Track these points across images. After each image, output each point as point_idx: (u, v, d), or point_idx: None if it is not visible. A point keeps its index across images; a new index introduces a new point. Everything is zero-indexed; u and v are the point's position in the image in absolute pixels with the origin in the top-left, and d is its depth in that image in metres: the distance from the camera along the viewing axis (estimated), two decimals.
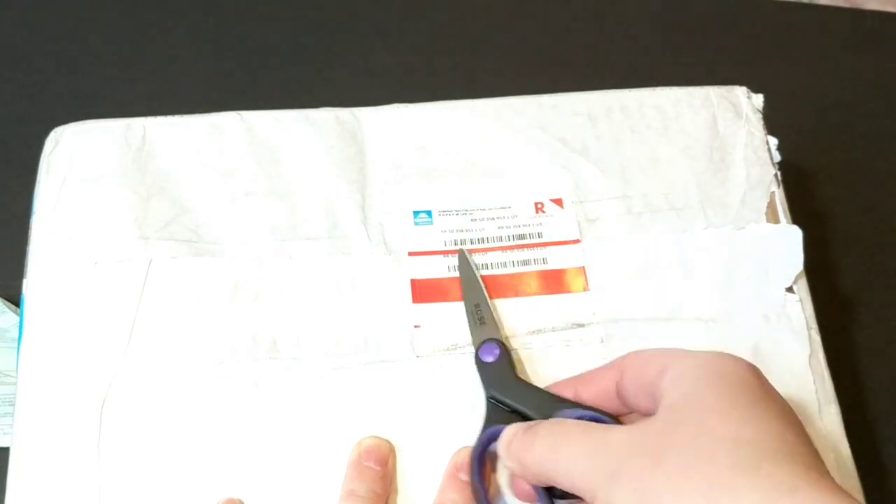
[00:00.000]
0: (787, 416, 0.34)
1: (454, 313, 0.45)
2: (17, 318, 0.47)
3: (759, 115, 0.51)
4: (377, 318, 0.45)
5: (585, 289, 0.46)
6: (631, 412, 0.39)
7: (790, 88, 0.68)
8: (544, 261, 0.47)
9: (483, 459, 0.41)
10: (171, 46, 0.70)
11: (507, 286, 0.46)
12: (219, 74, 0.68)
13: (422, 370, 0.44)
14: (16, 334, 0.45)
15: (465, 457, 0.41)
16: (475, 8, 0.73)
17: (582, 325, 0.45)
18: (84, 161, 0.48)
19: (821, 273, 0.55)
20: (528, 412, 0.40)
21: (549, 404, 0.40)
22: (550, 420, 0.38)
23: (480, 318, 0.44)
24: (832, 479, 0.32)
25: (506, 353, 0.43)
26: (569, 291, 0.46)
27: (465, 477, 0.41)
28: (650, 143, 0.50)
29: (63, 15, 0.71)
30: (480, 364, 0.43)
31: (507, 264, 0.47)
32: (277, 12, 0.72)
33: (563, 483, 0.36)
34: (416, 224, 0.48)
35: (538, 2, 0.73)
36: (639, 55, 0.70)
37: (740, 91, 0.52)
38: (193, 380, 0.43)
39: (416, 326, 0.45)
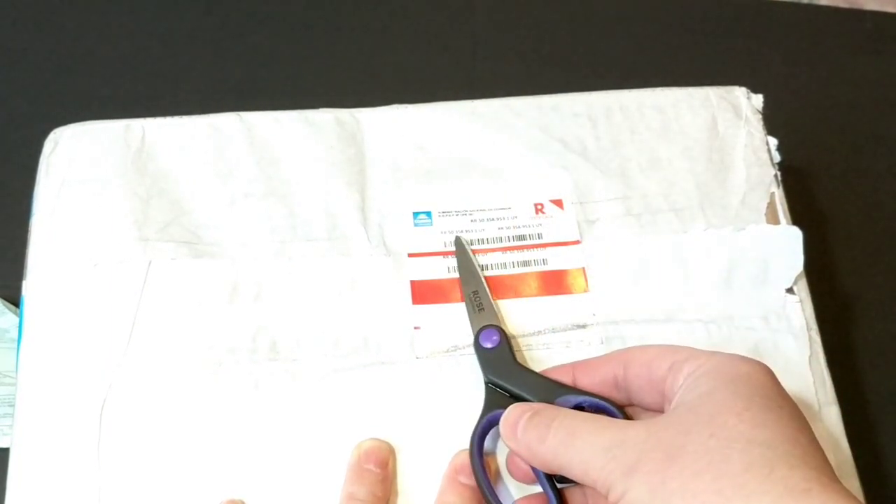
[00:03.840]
0: (799, 419, 0.34)
1: (454, 315, 0.45)
2: (16, 319, 0.47)
3: (759, 116, 0.51)
4: (377, 319, 0.45)
5: (585, 290, 0.46)
6: (630, 404, 0.39)
7: (790, 88, 0.68)
8: (544, 262, 0.47)
9: (483, 444, 0.41)
10: (171, 46, 0.70)
11: (507, 287, 0.46)
12: (219, 74, 0.68)
13: (422, 372, 0.44)
14: (16, 335, 0.45)
15: (465, 459, 0.41)
16: (475, 8, 0.73)
17: (582, 327, 0.45)
18: (83, 162, 0.48)
19: (821, 273, 0.55)
20: (529, 397, 0.40)
21: (549, 390, 0.40)
22: (562, 411, 0.38)
23: (479, 304, 0.45)
24: (841, 484, 0.32)
25: (505, 339, 0.43)
26: (569, 292, 0.46)
27: (464, 479, 0.41)
28: (650, 144, 0.50)
29: (63, 15, 0.71)
30: (479, 350, 0.43)
31: (507, 265, 0.47)
32: (277, 12, 0.72)
33: (575, 475, 0.36)
34: (415, 225, 0.48)
35: (538, 2, 0.73)
36: (639, 55, 0.70)
37: (740, 91, 0.52)
38: (193, 381, 0.43)
39: (415, 328, 0.45)
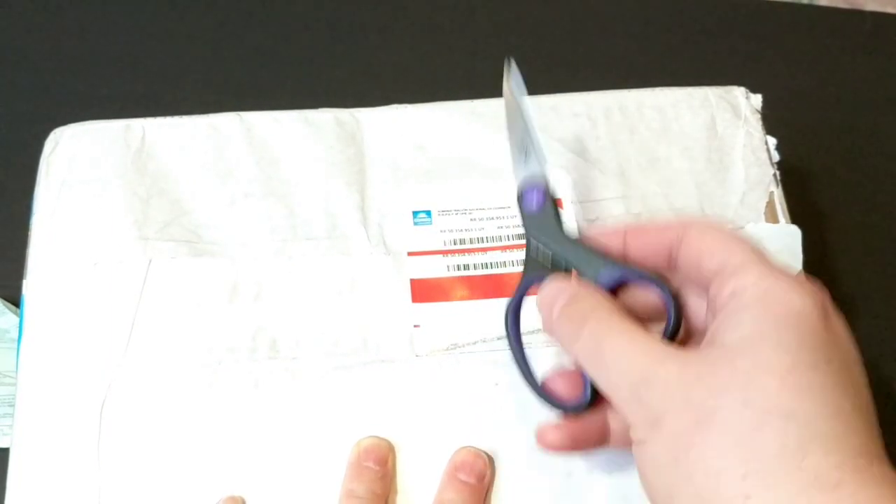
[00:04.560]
0: (849, 375, 0.32)
1: (454, 313, 0.45)
2: (17, 319, 0.47)
3: (758, 116, 0.51)
4: (377, 318, 0.45)
5: None
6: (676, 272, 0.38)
7: (790, 88, 0.68)
8: None
9: (518, 316, 0.40)
10: (171, 46, 0.70)
11: (507, 286, 0.46)
12: (218, 74, 0.68)
13: (421, 370, 0.44)
14: (16, 335, 0.45)
15: (465, 456, 0.41)
16: (475, 8, 0.73)
17: None
18: (83, 162, 0.48)
19: (820, 273, 0.55)
20: (570, 265, 0.38)
21: (591, 262, 0.38)
22: (597, 308, 0.36)
23: (525, 150, 0.41)
24: (882, 464, 0.30)
25: (549, 200, 0.41)
26: None
27: (464, 477, 0.41)
28: (649, 144, 0.50)
29: (63, 15, 0.71)
30: (523, 212, 0.41)
31: (507, 264, 0.47)
32: (277, 12, 0.72)
33: (603, 390, 0.34)
34: (415, 224, 0.48)
35: (538, 2, 0.73)
36: (639, 55, 0.70)
37: (739, 91, 0.52)
38: (193, 380, 0.43)
39: (415, 326, 0.45)
